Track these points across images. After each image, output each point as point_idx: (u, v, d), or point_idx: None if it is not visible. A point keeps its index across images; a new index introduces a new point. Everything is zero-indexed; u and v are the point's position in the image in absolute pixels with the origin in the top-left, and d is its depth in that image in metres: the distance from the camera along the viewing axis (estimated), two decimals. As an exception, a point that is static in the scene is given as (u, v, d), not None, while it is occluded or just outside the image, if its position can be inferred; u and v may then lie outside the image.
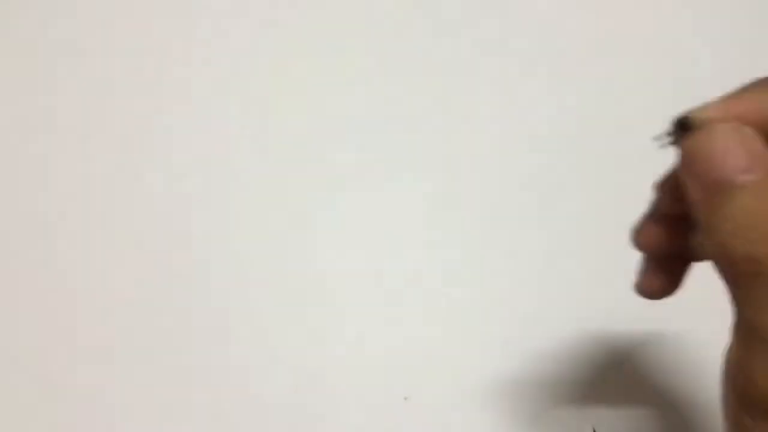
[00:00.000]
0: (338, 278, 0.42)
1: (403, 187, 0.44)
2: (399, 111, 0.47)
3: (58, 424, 0.38)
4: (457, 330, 0.40)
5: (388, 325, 0.40)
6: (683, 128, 0.24)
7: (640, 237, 0.29)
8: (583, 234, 0.43)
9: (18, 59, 0.48)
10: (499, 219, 0.43)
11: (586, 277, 0.41)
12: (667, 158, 0.26)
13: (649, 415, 0.38)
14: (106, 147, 0.46)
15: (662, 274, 0.29)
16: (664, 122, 0.25)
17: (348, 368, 0.39)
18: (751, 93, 0.24)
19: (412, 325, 0.41)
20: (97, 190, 0.44)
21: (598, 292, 0.41)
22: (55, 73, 0.48)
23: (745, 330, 0.23)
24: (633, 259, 0.39)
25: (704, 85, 0.27)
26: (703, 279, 0.41)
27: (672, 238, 0.28)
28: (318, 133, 0.46)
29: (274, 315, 0.41)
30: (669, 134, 0.25)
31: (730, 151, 0.23)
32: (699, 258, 0.28)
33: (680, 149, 0.24)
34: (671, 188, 0.27)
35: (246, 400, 0.39)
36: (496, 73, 0.48)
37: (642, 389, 0.38)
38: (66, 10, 0.50)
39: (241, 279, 0.41)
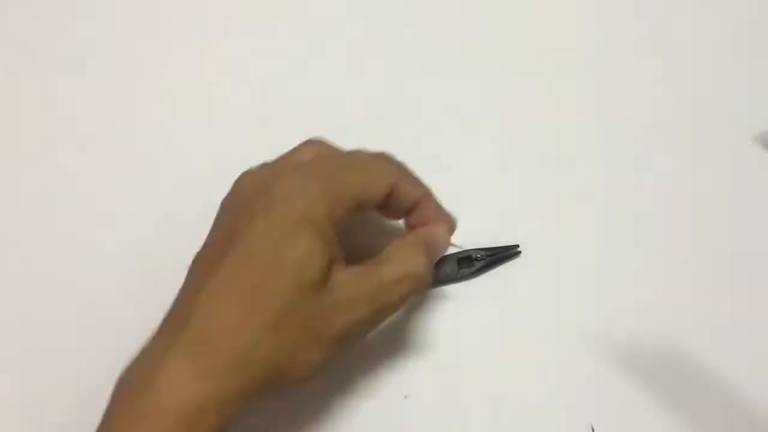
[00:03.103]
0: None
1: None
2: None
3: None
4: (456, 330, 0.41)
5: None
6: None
7: None
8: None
9: None
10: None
11: (581, 275, 0.42)
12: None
13: (649, 414, 0.38)
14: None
15: None
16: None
17: (348, 367, 0.40)
18: None
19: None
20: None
21: (597, 291, 0.41)
22: None
23: None
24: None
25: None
26: (701, 284, 0.42)
27: None
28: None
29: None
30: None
31: None
32: None
33: None
34: None
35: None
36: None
37: (642, 387, 0.39)
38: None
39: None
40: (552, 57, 0.47)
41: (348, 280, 0.32)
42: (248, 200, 0.33)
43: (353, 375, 0.39)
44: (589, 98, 0.45)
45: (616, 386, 0.39)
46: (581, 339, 0.38)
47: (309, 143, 0.36)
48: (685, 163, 0.44)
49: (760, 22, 0.49)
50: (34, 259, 0.43)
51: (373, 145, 0.36)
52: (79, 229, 0.43)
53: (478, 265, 0.41)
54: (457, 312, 0.41)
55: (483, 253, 0.41)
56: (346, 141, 0.36)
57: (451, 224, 0.37)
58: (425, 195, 0.36)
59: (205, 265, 0.32)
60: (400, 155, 0.36)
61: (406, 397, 0.39)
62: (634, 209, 0.43)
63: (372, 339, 0.40)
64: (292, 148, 0.36)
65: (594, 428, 0.39)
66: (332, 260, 0.32)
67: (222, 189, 0.34)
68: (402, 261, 0.34)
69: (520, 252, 0.42)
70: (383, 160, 0.35)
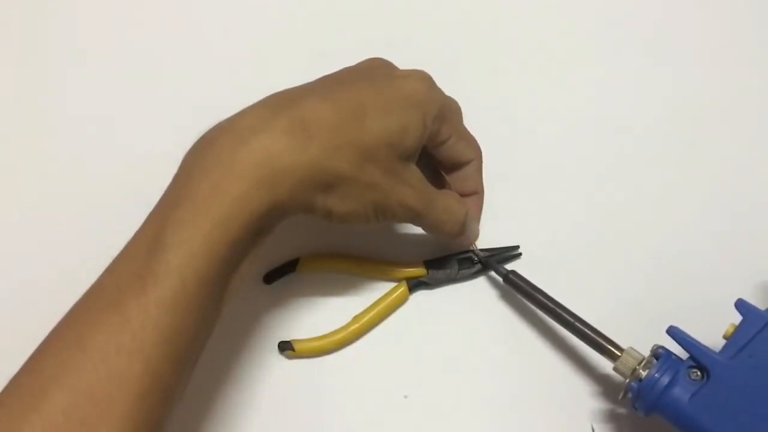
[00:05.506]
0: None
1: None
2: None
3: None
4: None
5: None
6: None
7: None
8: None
9: None
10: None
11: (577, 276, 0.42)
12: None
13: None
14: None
15: None
16: None
17: (348, 368, 0.40)
18: None
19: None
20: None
21: (597, 292, 0.41)
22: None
23: None
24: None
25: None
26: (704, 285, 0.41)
27: None
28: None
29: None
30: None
31: None
32: None
33: None
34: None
35: (254, 401, 0.40)
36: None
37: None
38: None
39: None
40: (556, 60, 0.47)
41: (420, 177, 0.36)
42: (386, 63, 0.37)
43: (353, 374, 0.40)
44: (589, 100, 0.45)
45: (616, 386, 0.39)
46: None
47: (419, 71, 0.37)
48: (685, 166, 0.44)
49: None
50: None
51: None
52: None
53: (478, 266, 0.41)
54: (458, 312, 0.41)
55: (483, 253, 0.41)
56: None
57: (481, 201, 0.42)
58: (476, 158, 0.40)
59: (328, 79, 0.35)
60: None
61: (406, 397, 0.40)
62: (634, 210, 0.43)
63: (372, 339, 0.41)
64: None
65: (594, 428, 0.39)
66: (417, 153, 0.35)
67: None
68: (455, 200, 0.38)
69: (520, 253, 0.42)
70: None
